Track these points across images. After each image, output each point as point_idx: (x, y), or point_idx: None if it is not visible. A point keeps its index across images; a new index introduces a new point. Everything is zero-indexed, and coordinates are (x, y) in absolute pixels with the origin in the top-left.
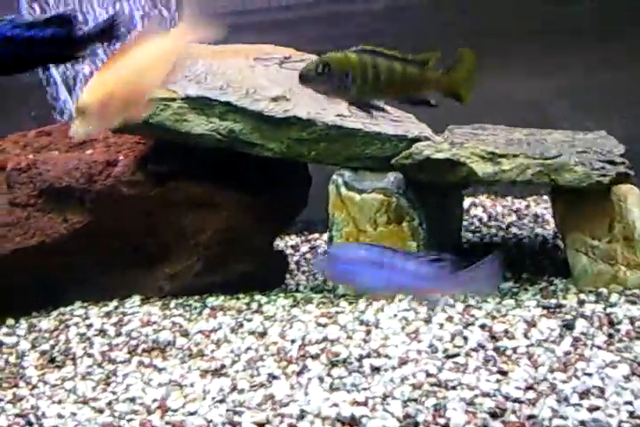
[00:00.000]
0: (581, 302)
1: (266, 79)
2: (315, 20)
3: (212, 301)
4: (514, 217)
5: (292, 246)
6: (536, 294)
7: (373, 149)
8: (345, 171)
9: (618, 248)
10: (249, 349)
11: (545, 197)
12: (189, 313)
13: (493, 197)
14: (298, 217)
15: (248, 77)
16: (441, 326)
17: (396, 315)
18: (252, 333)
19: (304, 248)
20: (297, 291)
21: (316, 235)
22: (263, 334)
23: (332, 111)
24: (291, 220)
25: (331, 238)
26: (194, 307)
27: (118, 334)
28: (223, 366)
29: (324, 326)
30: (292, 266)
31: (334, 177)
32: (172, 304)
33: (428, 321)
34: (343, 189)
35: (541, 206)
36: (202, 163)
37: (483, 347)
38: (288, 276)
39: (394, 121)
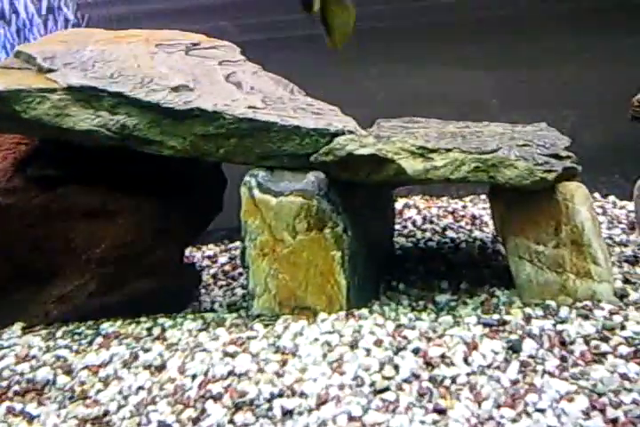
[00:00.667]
0: (527, 318)
1: (167, 67)
2: None
3: (106, 327)
4: (450, 219)
5: (209, 257)
6: (476, 309)
7: (291, 146)
8: (259, 170)
9: (565, 254)
10: (141, 388)
11: (483, 197)
12: (78, 343)
13: (428, 197)
14: (218, 224)
15: (146, 65)
16: (368, 352)
17: (317, 339)
18: (147, 366)
19: (223, 259)
20: (210, 310)
21: (238, 243)
22: (160, 368)
23: (244, 103)
24: (202, 228)
25: (243, 250)
26: (84, 335)
27: None
28: (106, 413)
29: (233, 355)
30: (209, 280)
31: (246, 178)
32: (59, 333)
33: (353, 346)
34: (256, 192)
35: (479, 207)
36: (94, 165)
37: (417, 377)
38: (203, 291)
39: (315, 114)
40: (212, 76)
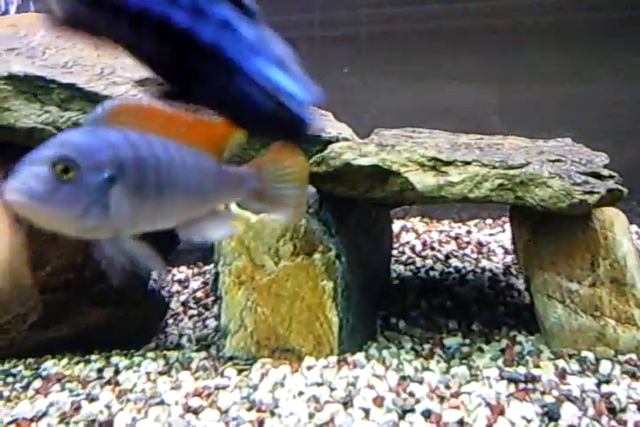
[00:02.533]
0: (562, 374)
1: None
2: None
3: (49, 366)
4: (453, 245)
5: (180, 281)
6: (496, 358)
7: None
8: None
9: (604, 295)
10: None
11: (488, 222)
12: (10, 388)
13: (428, 220)
14: (191, 244)
15: (107, 55)
16: (366, 413)
17: (302, 392)
18: (90, 422)
19: (195, 284)
20: (176, 346)
21: (212, 266)
22: (107, 426)
23: None
24: (171, 248)
25: (216, 276)
26: (20, 377)
27: None
28: None
29: (196, 411)
30: (178, 308)
31: None
32: None
33: (347, 404)
34: (234, 207)
35: (484, 233)
36: None
37: None
38: (171, 321)
39: None
40: None
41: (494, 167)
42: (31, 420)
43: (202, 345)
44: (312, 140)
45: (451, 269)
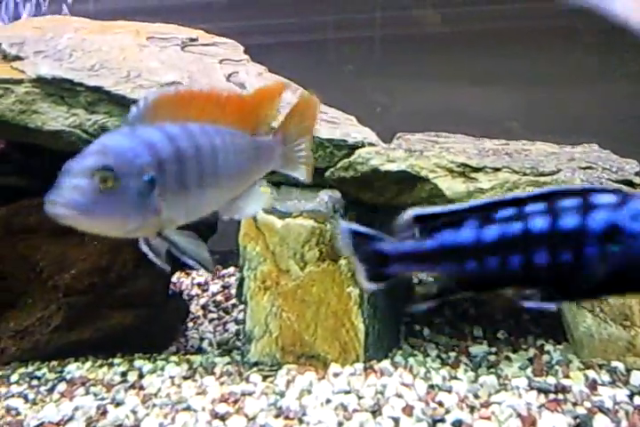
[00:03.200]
0: (592, 385)
1: (158, 61)
2: None
3: (72, 370)
4: None
5: (199, 285)
6: (525, 368)
7: None
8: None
9: (634, 304)
10: None
11: None
12: (35, 391)
13: None
14: (210, 247)
15: (133, 58)
16: (396, 422)
17: (329, 400)
18: None
19: (215, 287)
20: (198, 350)
21: (231, 269)
22: None
23: None
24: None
25: (241, 281)
26: (45, 380)
27: None
28: None
29: (224, 418)
30: (198, 311)
31: None
32: (15, 376)
33: (376, 412)
34: (259, 213)
35: None
36: None
37: None
38: (191, 325)
39: (329, 122)
40: (210, 75)
41: (525, 174)
42: (57, 424)
43: (224, 349)
44: (337, 144)
45: None
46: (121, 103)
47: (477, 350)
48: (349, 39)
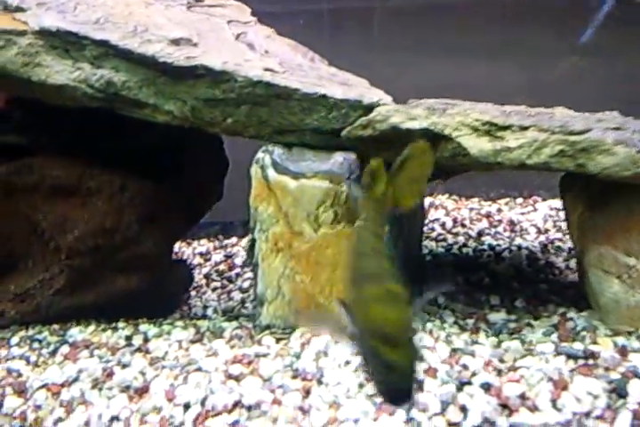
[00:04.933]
0: (622, 351)
1: (164, 18)
2: None
3: (75, 333)
4: (484, 223)
5: (201, 254)
6: (549, 334)
7: (315, 119)
8: (275, 147)
9: None
10: (115, 419)
11: (519, 201)
12: (37, 353)
13: (456, 197)
14: (212, 216)
15: (139, 13)
16: (420, 384)
17: (348, 362)
18: (125, 388)
19: (217, 257)
20: (202, 317)
21: (234, 239)
22: (142, 392)
23: (259, 64)
24: (197, 218)
25: (252, 243)
26: (46, 343)
27: None
28: None
29: (238, 379)
30: (201, 280)
31: (259, 155)
32: (15, 339)
33: None
34: (271, 173)
35: (516, 212)
36: (70, 132)
37: (492, 424)
38: (193, 293)
39: (343, 84)
40: (218, 34)
41: (554, 133)
42: (62, 385)
43: (229, 317)
44: (353, 105)
45: (484, 247)
46: (128, 58)
47: (496, 317)
48: (350, 9)
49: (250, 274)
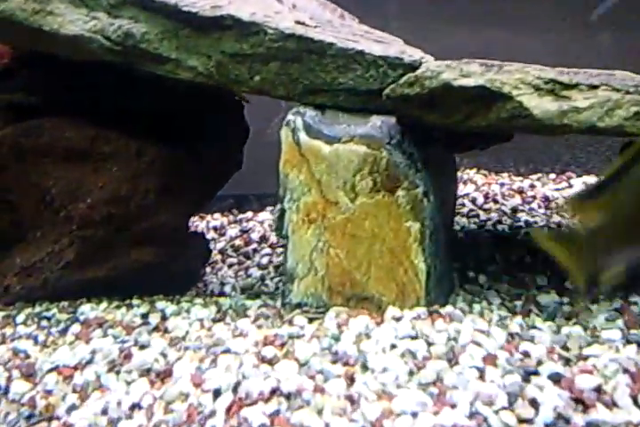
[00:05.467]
0: None
1: None
2: None
3: (86, 310)
4: (518, 199)
5: (215, 229)
6: (613, 319)
7: (350, 78)
8: (306, 109)
9: None
10: (136, 406)
11: (551, 176)
12: (46, 332)
13: (485, 172)
14: (225, 190)
15: None
16: (480, 372)
17: (394, 345)
18: (145, 371)
19: (232, 231)
20: (220, 294)
21: (249, 214)
22: (165, 376)
23: (289, 16)
24: (216, 189)
25: (281, 214)
26: (56, 321)
27: None
28: None
29: (271, 362)
30: (216, 256)
31: (290, 117)
32: (21, 316)
33: (452, 361)
34: (303, 136)
35: (549, 187)
36: (82, 90)
37: (567, 422)
38: (208, 270)
39: (378, 42)
40: None
41: (628, 93)
42: (75, 368)
43: (249, 294)
44: (392, 63)
45: (520, 224)
46: (148, 7)
47: (546, 299)
48: None
49: (268, 250)
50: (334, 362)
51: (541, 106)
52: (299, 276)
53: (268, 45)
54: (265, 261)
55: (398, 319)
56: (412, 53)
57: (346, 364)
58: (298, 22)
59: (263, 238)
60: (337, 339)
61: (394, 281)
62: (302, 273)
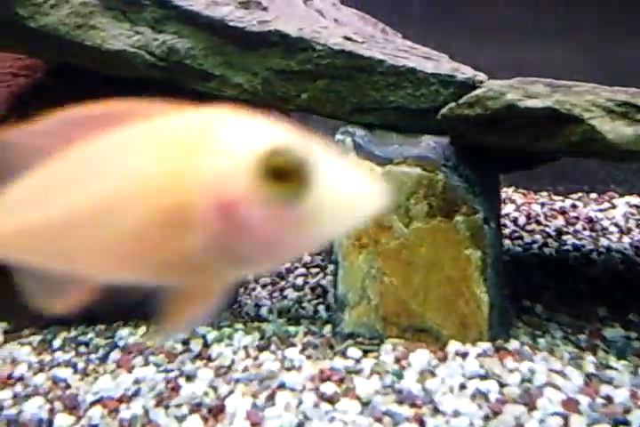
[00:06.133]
0: None
1: None
2: None
3: (125, 335)
4: (561, 220)
5: None
6: None
7: (401, 96)
8: (355, 128)
9: None
10: None
11: (592, 196)
12: (85, 359)
13: (524, 190)
14: None
15: None
16: (564, 419)
17: (463, 385)
18: (195, 406)
19: None
20: (257, 316)
21: None
22: (217, 412)
23: (337, 31)
24: None
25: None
26: (95, 347)
27: None
28: None
29: (332, 400)
30: (247, 276)
31: (339, 136)
32: (58, 341)
33: (530, 405)
34: (354, 157)
35: (592, 208)
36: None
37: None
38: (241, 290)
39: (424, 58)
40: None
41: None
42: (119, 400)
43: (289, 319)
44: (444, 80)
45: (568, 247)
46: (193, 22)
47: (612, 333)
48: None
49: (302, 270)
50: (400, 402)
51: (616, 130)
52: (350, 304)
53: (317, 62)
54: (300, 281)
55: (463, 356)
56: (464, 71)
57: (413, 405)
58: (346, 38)
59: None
60: (399, 376)
61: (454, 313)
62: (354, 301)
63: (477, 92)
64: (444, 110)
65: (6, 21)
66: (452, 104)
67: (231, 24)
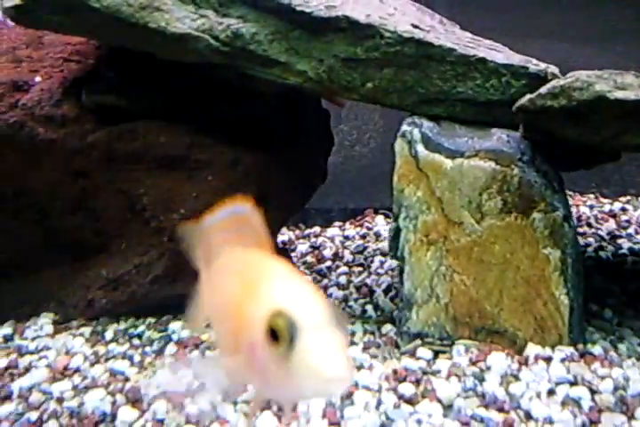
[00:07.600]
0: None
1: None
2: None
3: (177, 329)
4: (612, 224)
5: (284, 244)
6: None
7: (470, 87)
8: (422, 119)
9: None
10: None
11: None
12: (141, 352)
13: (570, 192)
14: None
15: None
16: None
17: (552, 391)
18: (265, 404)
19: (302, 247)
20: None
21: (316, 229)
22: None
23: (403, 18)
24: (305, 200)
25: (396, 232)
26: (149, 339)
27: (4, 398)
28: None
29: (412, 402)
30: None
31: (405, 127)
32: (110, 333)
33: (626, 413)
34: (421, 149)
35: None
36: (179, 95)
37: None
38: None
39: (491, 49)
40: None
41: None
42: (184, 394)
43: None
44: (516, 72)
45: (624, 251)
46: (259, 6)
47: None
48: None
49: (344, 268)
50: (486, 407)
51: None
52: (418, 303)
53: (384, 50)
54: (343, 280)
55: (546, 360)
56: (537, 62)
57: (500, 409)
58: (413, 26)
59: (336, 256)
60: (480, 379)
61: (531, 314)
62: (422, 300)
63: (562, 82)
64: (522, 101)
65: (67, 2)
66: (533, 95)
67: (298, 9)
